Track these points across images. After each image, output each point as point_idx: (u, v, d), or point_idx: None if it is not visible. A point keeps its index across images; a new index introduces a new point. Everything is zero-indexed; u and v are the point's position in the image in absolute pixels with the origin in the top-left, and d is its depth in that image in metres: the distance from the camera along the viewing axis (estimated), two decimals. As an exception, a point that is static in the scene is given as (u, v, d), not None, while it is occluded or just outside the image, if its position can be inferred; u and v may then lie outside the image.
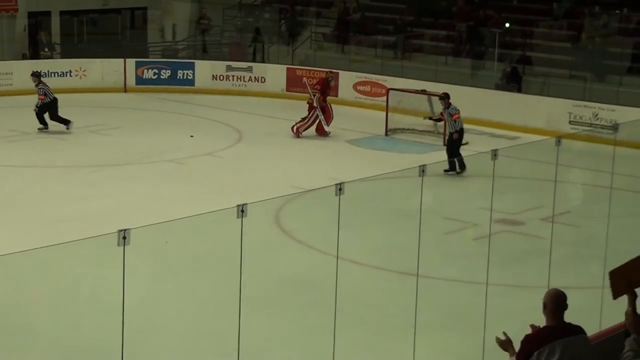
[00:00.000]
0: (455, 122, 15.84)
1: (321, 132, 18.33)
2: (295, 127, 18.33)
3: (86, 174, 15.53)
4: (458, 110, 15.98)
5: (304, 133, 18.30)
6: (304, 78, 20.49)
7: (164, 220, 6.72)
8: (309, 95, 18.71)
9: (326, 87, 18.83)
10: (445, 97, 16.28)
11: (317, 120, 18.35)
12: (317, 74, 22.53)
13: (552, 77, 20.83)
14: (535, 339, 5.50)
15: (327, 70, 19.90)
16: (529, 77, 21.13)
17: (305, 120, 18.38)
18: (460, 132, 15.87)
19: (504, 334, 5.64)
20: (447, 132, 16.33)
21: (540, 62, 21.49)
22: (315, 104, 18.15)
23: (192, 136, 18.17)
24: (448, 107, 16.07)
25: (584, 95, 19.79)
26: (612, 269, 5.73)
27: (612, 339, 7.05)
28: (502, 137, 18.95)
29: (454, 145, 15.90)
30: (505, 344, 5.61)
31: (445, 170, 15.48)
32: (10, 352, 8.52)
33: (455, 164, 15.44)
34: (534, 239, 11.92)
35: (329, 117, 18.45)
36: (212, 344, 8.80)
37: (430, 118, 17.82)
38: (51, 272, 9.82)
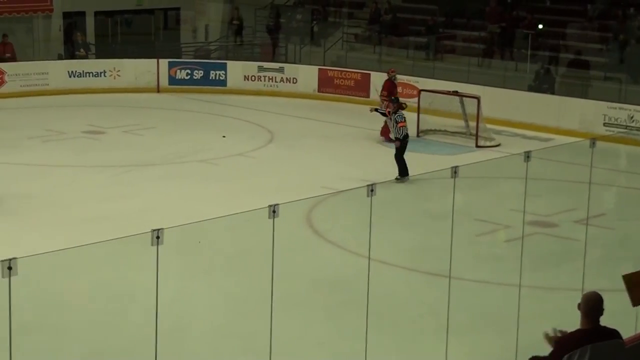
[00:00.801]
0: (399, 129, 15.33)
1: (387, 137, 18.13)
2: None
3: (119, 174, 15.66)
4: (404, 118, 15.47)
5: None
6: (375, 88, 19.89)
7: (197, 220, 6.76)
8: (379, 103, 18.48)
9: (393, 88, 18.64)
10: (394, 102, 15.84)
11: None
12: (348, 74, 22.54)
13: (586, 78, 20.65)
14: (568, 342, 5.45)
15: (388, 70, 19.36)
16: (563, 78, 20.97)
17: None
18: (404, 140, 15.31)
19: (555, 329, 5.54)
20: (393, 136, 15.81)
21: (574, 63, 21.31)
22: (389, 110, 17.86)
23: (224, 137, 18.25)
24: (395, 112, 15.50)
25: (619, 97, 19.59)
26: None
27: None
28: (535, 138, 18.82)
29: (398, 150, 15.34)
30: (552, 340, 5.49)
31: (396, 179, 14.99)
32: (46, 351, 8.62)
33: (407, 168, 15.07)
34: (567, 241, 11.83)
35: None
36: (243, 343, 8.83)
37: (376, 110, 16.88)
38: (85, 272, 9.92)
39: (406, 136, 15.41)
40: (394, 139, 15.61)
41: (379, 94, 18.82)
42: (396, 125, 15.45)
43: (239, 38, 25.82)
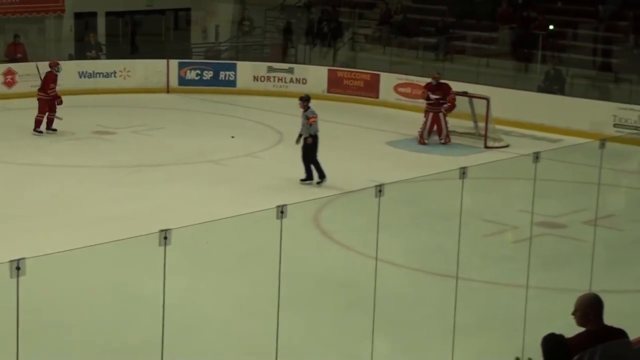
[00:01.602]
0: (310, 125, 14.75)
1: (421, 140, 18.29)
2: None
3: (129, 174, 15.71)
4: (316, 114, 14.93)
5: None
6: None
7: (205, 220, 6.79)
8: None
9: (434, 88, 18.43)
10: (304, 99, 15.18)
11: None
12: (358, 75, 22.54)
13: (596, 79, 20.60)
14: (577, 344, 5.45)
15: (433, 73, 19.17)
16: (573, 79, 20.93)
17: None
18: (315, 137, 14.74)
19: None
20: (303, 135, 15.00)
21: (585, 64, 21.26)
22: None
23: (233, 137, 18.27)
24: (306, 109, 14.95)
25: (629, 98, 19.54)
26: None
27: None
28: (545, 139, 18.79)
29: (308, 150, 14.75)
30: None
31: (301, 180, 14.66)
32: (55, 349, 8.66)
33: (313, 173, 14.66)
34: (576, 242, 11.81)
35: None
36: (250, 343, 8.85)
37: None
38: (93, 271, 9.96)
39: (317, 135, 14.76)
40: (304, 136, 14.83)
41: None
42: (307, 121, 14.81)
43: (249, 39, 25.86)
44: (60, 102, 18.41)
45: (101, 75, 22.88)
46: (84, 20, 25.21)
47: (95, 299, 9.93)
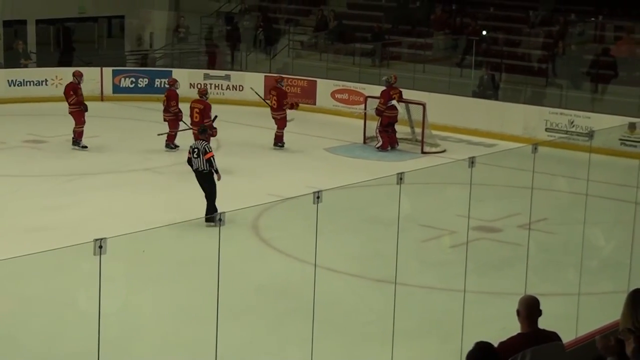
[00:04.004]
0: (209, 161, 13.10)
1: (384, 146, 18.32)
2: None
3: (62, 183, 15.43)
4: (211, 149, 13.34)
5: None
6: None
7: (141, 229, 6.70)
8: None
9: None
10: (201, 132, 13.78)
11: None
12: (295, 81, 22.54)
13: (528, 84, 20.98)
14: (508, 347, 5.51)
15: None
16: (506, 84, 21.27)
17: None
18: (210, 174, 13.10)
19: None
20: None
21: (517, 69, 21.63)
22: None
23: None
24: (202, 141, 13.45)
25: (560, 103, 19.94)
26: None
27: (588, 346, 7.09)
28: (480, 144, 19.05)
29: (205, 185, 13.08)
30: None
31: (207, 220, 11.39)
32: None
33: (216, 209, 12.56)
34: (511, 246, 11.98)
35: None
36: (190, 352, 8.76)
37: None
38: (27, 282, 9.75)
39: (217, 170, 13.09)
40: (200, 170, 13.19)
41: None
42: (203, 157, 13.15)
43: (185, 46, 25.69)
44: None
45: (32, 83, 22.44)
46: (13, 28, 24.71)
47: (28, 310, 9.72)
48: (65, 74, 22.63)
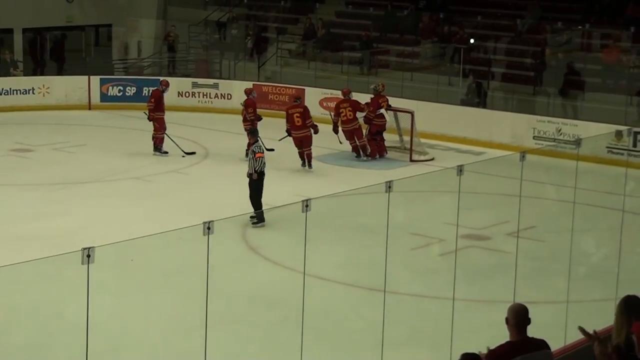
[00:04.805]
0: (256, 160, 13.56)
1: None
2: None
3: (50, 192, 15.36)
4: (262, 150, 13.91)
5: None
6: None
7: (130, 238, 6.67)
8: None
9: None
10: (252, 133, 14.45)
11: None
12: (283, 90, 22.55)
13: (516, 92, 21.05)
14: (497, 355, 5.51)
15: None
16: (494, 92, 21.34)
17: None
18: (261, 174, 13.61)
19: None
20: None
21: (505, 77, 21.71)
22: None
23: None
24: (254, 142, 13.95)
25: (547, 111, 20.01)
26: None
27: (577, 353, 7.10)
28: (468, 152, 19.09)
29: (255, 187, 13.59)
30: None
31: (251, 219, 13.12)
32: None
33: (263, 214, 13.21)
34: (500, 253, 12.00)
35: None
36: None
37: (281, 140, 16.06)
38: (14, 291, 9.69)
39: (263, 172, 13.64)
40: (249, 172, 13.66)
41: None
42: (253, 156, 13.63)
43: (173, 54, 25.67)
44: None
45: (19, 92, 22.37)
46: (0, 37, 24.64)
47: (15, 319, 9.66)
48: (52, 83, 22.62)
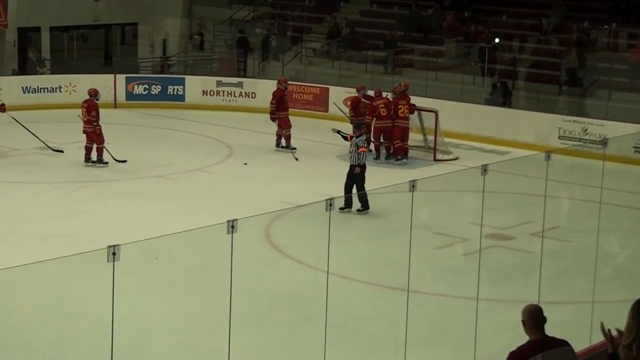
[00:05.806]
0: (359, 155, 14.01)
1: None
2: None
3: (76, 190, 15.49)
4: (366, 144, 14.53)
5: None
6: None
7: (154, 236, 6.71)
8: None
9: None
10: (357, 126, 14.78)
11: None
12: (307, 89, 22.58)
13: (541, 92, 20.93)
14: (519, 355, 5.51)
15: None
16: (519, 92, 21.23)
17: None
18: (363, 167, 14.05)
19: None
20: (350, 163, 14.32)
21: (530, 77, 21.59)
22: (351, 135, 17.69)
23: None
24: (358, 136, 14.32)
25: (573, 110, 19.87)
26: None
27: (602, 354, 7.05)
28: (492, 152, 19.01)
29: (356, 179, 14.04)
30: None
31: (340, 208, 13.02)
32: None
33: (351, 201, 13.61)
34: (524, 253, 11.94)
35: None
36: (202, 360, 8.76)
37: (338, 132, 15.79)
38: (40, 289, 9.78)
39: (365, 165, 14.16)
40: (352, 164, 14.16)
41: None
42: (356, 149, 14.12)
43: (200, 52, 25.80)
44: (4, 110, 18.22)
45: (46, 90, 22.56)
46: (28, 35, 24.86)
47: (42, 317, 9.75)
48: (78, 81, 22.79)
